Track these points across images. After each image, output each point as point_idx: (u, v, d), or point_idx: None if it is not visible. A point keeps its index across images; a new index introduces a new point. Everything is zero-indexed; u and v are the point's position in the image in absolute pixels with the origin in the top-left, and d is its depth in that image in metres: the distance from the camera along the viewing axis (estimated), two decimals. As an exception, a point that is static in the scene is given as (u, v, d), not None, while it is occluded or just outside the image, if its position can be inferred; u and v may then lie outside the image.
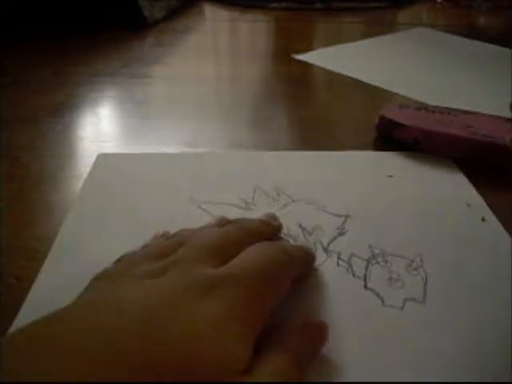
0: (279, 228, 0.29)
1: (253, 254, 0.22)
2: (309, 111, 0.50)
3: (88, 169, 0.36)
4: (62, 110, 0.48)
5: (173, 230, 0.29)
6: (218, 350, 0.17)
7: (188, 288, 0.19)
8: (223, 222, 0.26)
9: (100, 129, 0.46)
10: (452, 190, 0.34)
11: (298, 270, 0.24)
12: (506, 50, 0.67)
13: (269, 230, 0.27)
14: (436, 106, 0.44)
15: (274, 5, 0.89)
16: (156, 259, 0.22)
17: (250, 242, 0.23)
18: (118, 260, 0.24)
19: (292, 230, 0.30)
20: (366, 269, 0.27)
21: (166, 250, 0.22)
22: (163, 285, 0.19)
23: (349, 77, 0.57)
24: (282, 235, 0.29)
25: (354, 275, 0.26)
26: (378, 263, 0.27)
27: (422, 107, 0.44)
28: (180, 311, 0.18)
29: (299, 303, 0.25)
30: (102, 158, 0.38)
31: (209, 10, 0.92)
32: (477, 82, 0.57)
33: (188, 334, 0.17)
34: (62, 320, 0.17)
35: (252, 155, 0.39)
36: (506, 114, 0.45)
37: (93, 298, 0.20)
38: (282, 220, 0.30)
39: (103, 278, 0.22)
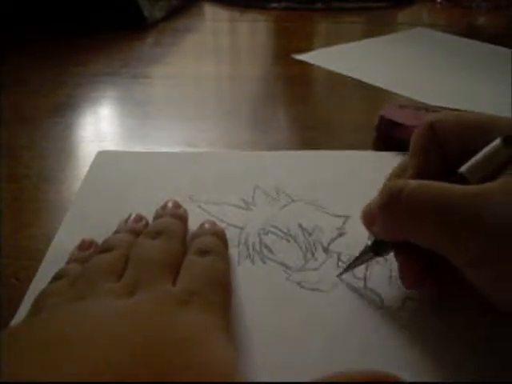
0: (187, 215, 0.30)
1: (199, 270, 0.24)
2: (309, 111, 0.50)
3: (88, 169, 0.36)
4: (62, 109, 0.48)
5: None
6: (214, 352, 0.18)
7: (164, 303, 0.21)
8: (152, 234, 0.26)
9: (100, 129, 0.46)
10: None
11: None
12: (506, 50, 0.67)
13: (185, 225, 0.29)
14: (436, 106, 0.44)
15: (274, 5, 0.89)
16: (110, 276, 0.23)
17: (184, 250, 0.25)
18: (59, 276, 0.24)
19: (292, 230, 0.30)
20: (366, 269, 0.27)
21: (116, 267, 0.24)
22: (141, 302, 0.21)
23: (349, 77, 0.57)
24: (282, 235, 0.29)
25: (354, 275, 0.26)
26: (378, 263, 0.27)
27: (422, 107, 0.44)
28: (169, 321, 0.19)
29: (298, 306, 0.25)
30: (102, 155, 0.38)
31: (209, 10, 0.92)
32: (477, 81, 0.57)
33: (185, 339, 0.19)
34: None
35: (252, 155, 0.39)
36: (507, 114, 0.45)
37: (67, 313, 0.20)
38: (282, 220, 0.30)
39: (58, 295, 0.22)
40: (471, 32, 0.76)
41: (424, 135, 0.25)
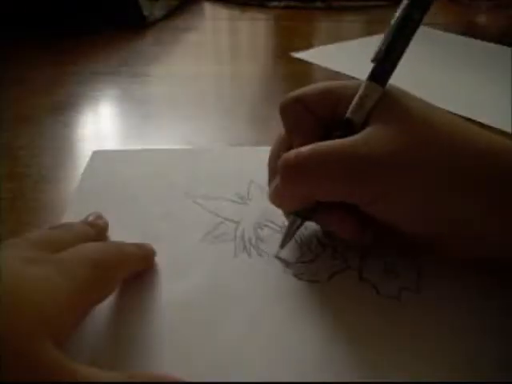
0: (105, 227, 0.29)
1: (81, 247, 0.23)
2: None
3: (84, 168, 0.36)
4: (61, 108, 0.48)
5: (168, 225, 0.30)
6: (41, 310, 0.18)
7: (15, 258, 0.20)
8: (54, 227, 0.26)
9: (100, 128, 0.46)
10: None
11: (132, 266, 0.25)
12: (506, 49, 0.67)
13: (95, 231, 0.27)
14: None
15: (274, 3, 0.89)
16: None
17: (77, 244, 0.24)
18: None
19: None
20: (361, 260, 0.27)
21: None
22: None
23: (348, 75, 0.57)
24: (278, 229, 0.29)
25: (349, 267, 0.27)
26: (373, 255, 0.27)
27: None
28: (8, 275, 0.19)
29: (295, 297, 0.25)
30: (98, 155, 0.38)
31: (209, 9, 0.92)
32: (477, 81, 0.57)
33: (14, 291, 0.18)
34: None
35: (247, 150, 0.39)
36: (507, 113, 0.45)
37: None
38: (278, 214, 0.30)
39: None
40: (471, 31, 0.76)
41: (293, 110, 0.27)
